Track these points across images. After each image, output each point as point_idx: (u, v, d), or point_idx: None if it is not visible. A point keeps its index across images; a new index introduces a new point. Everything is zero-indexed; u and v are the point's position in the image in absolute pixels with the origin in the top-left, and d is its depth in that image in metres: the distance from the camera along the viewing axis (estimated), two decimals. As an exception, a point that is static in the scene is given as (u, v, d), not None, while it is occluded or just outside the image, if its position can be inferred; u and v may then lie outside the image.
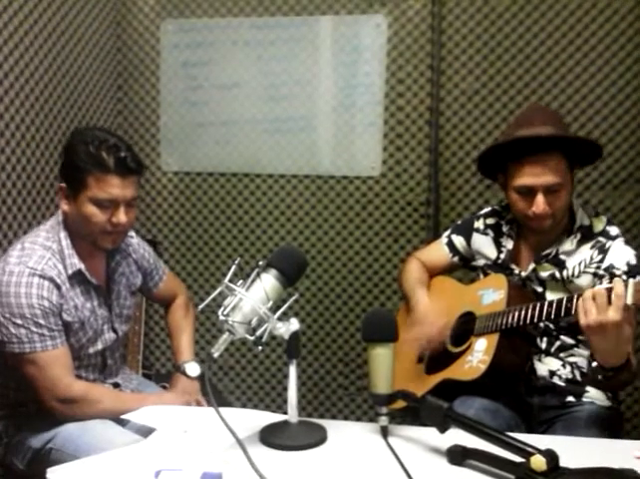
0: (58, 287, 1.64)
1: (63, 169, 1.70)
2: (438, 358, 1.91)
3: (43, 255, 1.64)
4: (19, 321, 1.59)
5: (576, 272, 1.76)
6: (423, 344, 1.90)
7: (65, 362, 1.65)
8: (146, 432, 1.53)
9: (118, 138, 1.68)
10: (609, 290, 1.42)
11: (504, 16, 2.57)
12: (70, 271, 1.67)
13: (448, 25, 2.62)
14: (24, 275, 1.60)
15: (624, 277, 1.61)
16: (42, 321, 1.60)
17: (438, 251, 2.08)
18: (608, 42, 2.51)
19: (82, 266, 1.69)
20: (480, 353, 1.75)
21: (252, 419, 1.45)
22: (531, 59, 2.57)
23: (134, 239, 1.91)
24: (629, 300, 1.39)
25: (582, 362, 1.79)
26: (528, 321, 1.68)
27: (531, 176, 1.70)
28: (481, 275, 1.97)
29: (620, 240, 1.75)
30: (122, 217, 1.64)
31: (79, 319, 1.69)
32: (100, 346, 1.77)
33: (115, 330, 1.82)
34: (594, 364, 1.56)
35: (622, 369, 1.51)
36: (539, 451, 1.13)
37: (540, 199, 1.70)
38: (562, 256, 1.78)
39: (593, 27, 2.52)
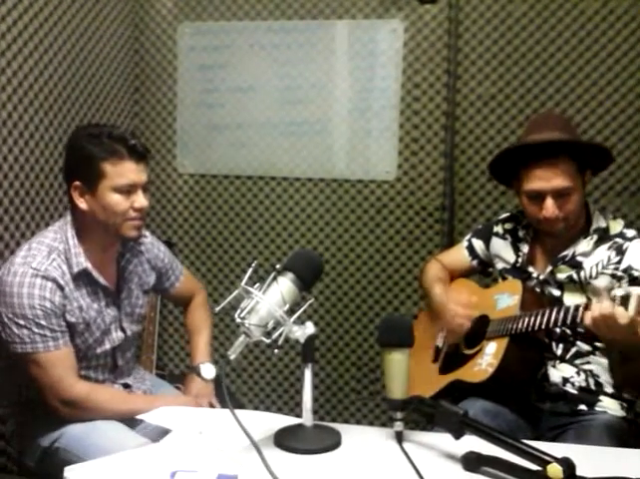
0: (61, 288, 1.64)
1: (73, 167, 1.71)
2: (451, 359, 1.93)
3: (47, 256, 1.64)
4: (21, 322, 1.60)
5: (594, 274, 1.76)
6: (443, 334, 1.90)
7: (68, 363, 1.65)
8: (155, 436, 1.54)
9: (119, 129, 1.74)
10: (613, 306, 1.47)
11: (521, 21, 2.57)
12: (75, 270, 1.67)
13: (464, 30, 2.61)
14: (27, 276, 1.61)
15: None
16: (43, 322, 1.60)
17: (458, 255, 2.10)
18: (625, 48, 2.50)
19: (88, 265, 1.69)
20: (489, 357, 1.76)
21: (267, 422, 1.46)
22: (548, 64, 2.56)
23: (147, 239, 1.91)
24: (631, 313, 1.45)
25: (598, 370, 1.78)
26: (536, 328, 1.69)
27: (541, 180, 1.72)
28: (500, 280, 1.97)
29: (638, 241, 1.75)
30: (142, 200, 1.68)
31: (83, 320, 1.69)
32: (108, 346, 1.77)
33: (123, 330, 1.81)
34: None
35: None
36: (556, 459, 1.13)
37: (550, 203, 1.72)
38: (579, 258, 1.78)
39: (611, 33, 2.50)
